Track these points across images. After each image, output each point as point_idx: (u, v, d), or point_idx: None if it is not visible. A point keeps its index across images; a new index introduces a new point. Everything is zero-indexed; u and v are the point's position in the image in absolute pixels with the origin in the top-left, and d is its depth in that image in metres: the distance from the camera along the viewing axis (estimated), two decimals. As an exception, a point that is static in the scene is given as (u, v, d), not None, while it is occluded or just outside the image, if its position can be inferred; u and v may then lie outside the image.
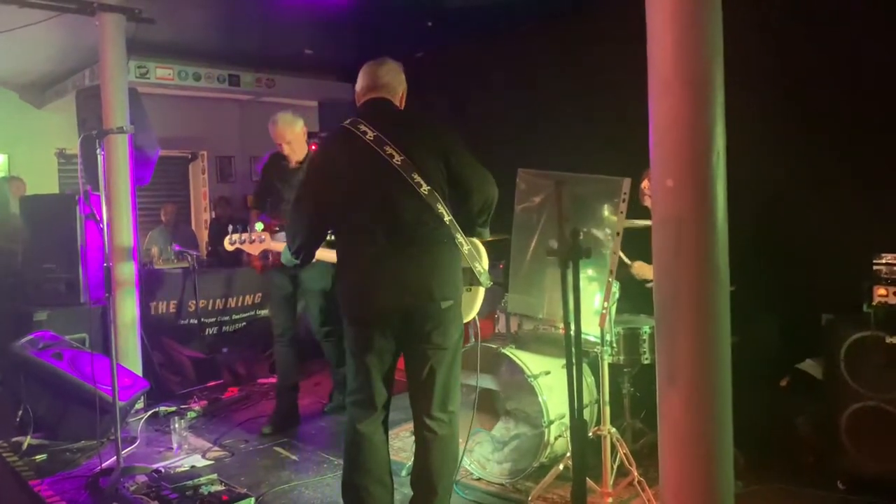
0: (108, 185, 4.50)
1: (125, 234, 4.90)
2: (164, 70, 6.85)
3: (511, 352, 3.43)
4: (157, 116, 5.92)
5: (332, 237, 2.80)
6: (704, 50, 2.28)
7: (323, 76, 7.77)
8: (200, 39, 6.47)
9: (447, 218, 2.62)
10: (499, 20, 5.72)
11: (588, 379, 3.52)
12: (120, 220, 4.86)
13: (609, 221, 2.93)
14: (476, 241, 2.85)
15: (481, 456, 3.51)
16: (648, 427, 3.63)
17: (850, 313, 3.29)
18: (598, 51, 5.07)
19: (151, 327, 5.35)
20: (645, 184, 3.78)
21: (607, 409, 3.13)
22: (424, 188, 2.57)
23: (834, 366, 3.27)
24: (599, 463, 3.10)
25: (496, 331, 4.12)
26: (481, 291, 2.98)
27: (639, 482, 3.05)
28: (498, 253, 3.74)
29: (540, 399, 3.27)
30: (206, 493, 3.18)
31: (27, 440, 4.10)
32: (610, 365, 3.25)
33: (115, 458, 3.49)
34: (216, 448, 4.15)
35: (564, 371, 2.27)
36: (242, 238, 3.68)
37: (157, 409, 4.77)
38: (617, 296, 3.24)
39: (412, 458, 2.82)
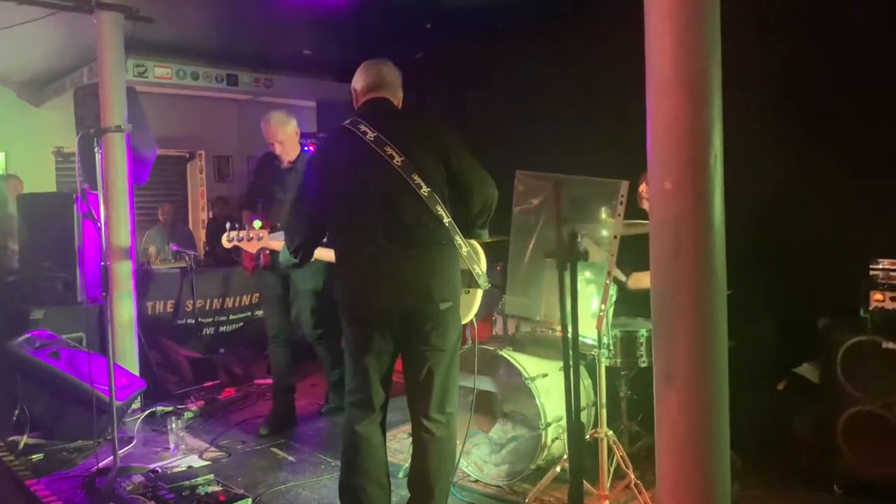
0: (105, 184, 4.50)
1: (122, 234, 4.89)
2: (163, 69, 6.85)
3: (508, 354, 3.43)
4: (155, 116, 5.91)
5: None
6: (703, 50, 2.28)
7: (321, 76, 7.77)
8: (199, 39, 6.47)
9: (447, 220, 2.61)
10: (498, 21, 5.73)
11: (585, 381, 3.52)
12: (117, 219, 4.86)
13: (607, 224, 2.93)
14: (474, 243, 2.85)
15: (478, 458, 3.51)
16: (645, 430, 3.63)
17: (847, 317, 3.29)
18: (598, 51, 5.07)
19: (149, 327, 5.34)
20: (643, 187, 3.78)
21: (604, 412, 3.13)
22: (424, 189, 2.57)
23: (831, 370, 3.28)
24: (596, 465, 3.10)
25: (494, 333, 4.11)
26: (479, 294, 2.98)
27: (635, 485, 3.05)
28: (496, 255, 3.73)
29: (537, 401, 3.27)
30: (202, 493, 3.18)
31: (24, 440, 4.09)
32: (607, 368, 3.25)
33: (111, 457, 3.48)
34: (213, 448, 4.14)
35: (562, 373, 2.27)
36: (240, 235, 3.68)
37: (153, 409, 4.76)
38: (614, 298, 3.24)
39: (409, 460, 2.82)
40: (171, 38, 6.17)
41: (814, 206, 4.05)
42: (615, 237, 2.84)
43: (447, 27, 5.93)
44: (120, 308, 4.82)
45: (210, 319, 5.99)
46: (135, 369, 4.84)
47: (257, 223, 3.68)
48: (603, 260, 2.87)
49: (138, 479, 3.31)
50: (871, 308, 3.16)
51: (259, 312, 6.14)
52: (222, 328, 6.09)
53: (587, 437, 3.07)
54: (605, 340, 3.14)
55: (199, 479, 3.30)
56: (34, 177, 7.02)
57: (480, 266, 2.84)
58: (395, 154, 2.56)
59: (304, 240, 2.75)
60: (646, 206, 3.67)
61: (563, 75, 5.46)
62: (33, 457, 3.96)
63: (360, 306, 2.65)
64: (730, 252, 2.34)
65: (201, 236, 9.02)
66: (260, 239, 3.66)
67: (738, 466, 3.15)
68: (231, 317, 6.13)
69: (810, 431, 3.56)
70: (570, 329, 2.20)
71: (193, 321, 5.81)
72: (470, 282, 2.84)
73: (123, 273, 4.87)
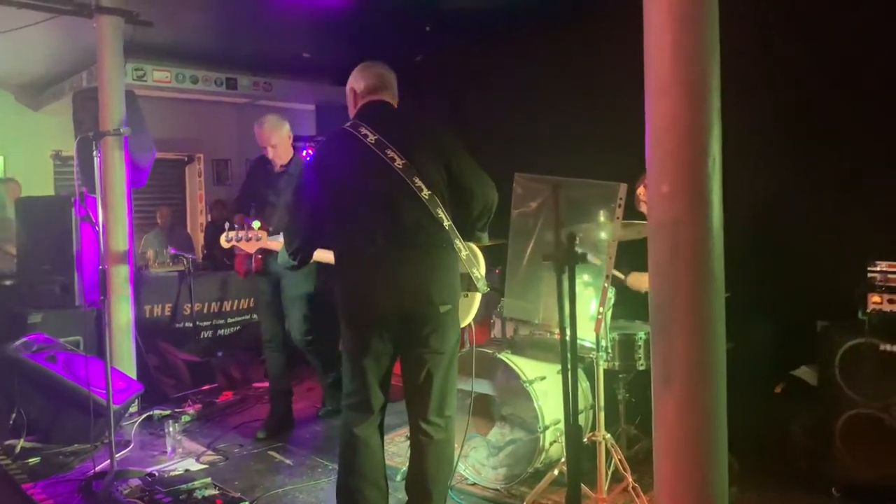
0: (103, 188, 4.49)
1: (121, 237, 4.89)
2: (162, 73, 6.85)
3: (507, 357, 3.43)
4: (154, 119, 5.91)
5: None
6: (702, 51, 2.29)
7: (321, 80, 7.78)
8: (198, 42, 6.48)
9: (447, 223, 2.61)
10: (497, 23, 5.73)
11: (583, 384, 3.52)
12: (115, 222, 4.85)
13: (605, 226, 2.93)
14: (474, 246, 2.85)
15: (476, 461, 3.51)
16: (643, 433, 3.63)
17: (845, 320, 3.30)
18: (597, 54, 5.07)
19: (146, 330, 5.34)
20: (641, 190, 3.78)
21: (602, 415, 3.12)
22: (425, 192, 2.57)
23: (829, 373, 3.28)
24: (594, 469, 3.10)
25: (492, 336, 4.11)
26: (478, 297, 2.98)
27: (633, 488, 3.05)
28: (494, 258, 3.74)
29: (535, 404, 3.27)
30: (200, 497, 3.18)
31: (20, 443, 4.07)
32: (605, 371, 3.24)
33: (108, 461, 3.48)
34: (210, 452, 4.13)
35: (560, 376, 2.27)
36: (239, 235, 3.67)
37: (151, 413, 4.75)
38: (612, 301, 3.24)
39: (407, 463, 2.81)
40: (170, 42, 6.17)
41: (812, 208, 4.05)
42: (613, 241, 2.85)
43: (447, 30, 5.94)
44: (118, 311, 4.81)
45: (208, 323, 5.98)
46: (132, 373, 4.83)
47: (256, 223, 3.67)
48: (601, 263, 2.88)
49: (135, 482, 3.31)
50: (868, 310, 3.16)
51: (256, 316, 6.14)
52: (220, 332, 6.08)
53: (585, 440, 3.07)
54: (603, 343, 3.13)
55: (196, 482, 3.30)
56: (32, 180, 7.03)
57: (479, 270, 2.84)
58: (396, 157, 2.57)
59: (303, 242, 2.75)
60: (644, 208, 3.67)
61: (562, 77, 5.47)
62: (30, 460, 3.95)
63: (360, 308, 2.65)
64: (727, 254, 2.34)
65: (199, 240, 9.01)
66: (259, 239, 3.65)
67: (735, 469, 3.15)
68: (229, 320, 6.12)
69: (808, 434, 3.56)
70: (568, 332, 2.20)
71: (191, 325, 5.81)
72: (469, 285, 2.84)
73: (121, 276, 4.86)
